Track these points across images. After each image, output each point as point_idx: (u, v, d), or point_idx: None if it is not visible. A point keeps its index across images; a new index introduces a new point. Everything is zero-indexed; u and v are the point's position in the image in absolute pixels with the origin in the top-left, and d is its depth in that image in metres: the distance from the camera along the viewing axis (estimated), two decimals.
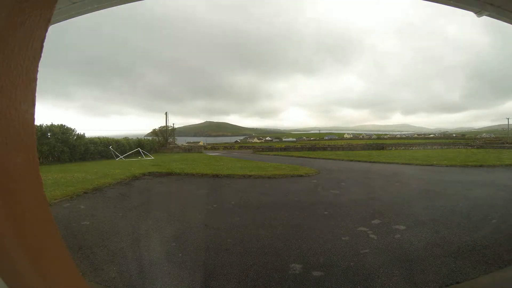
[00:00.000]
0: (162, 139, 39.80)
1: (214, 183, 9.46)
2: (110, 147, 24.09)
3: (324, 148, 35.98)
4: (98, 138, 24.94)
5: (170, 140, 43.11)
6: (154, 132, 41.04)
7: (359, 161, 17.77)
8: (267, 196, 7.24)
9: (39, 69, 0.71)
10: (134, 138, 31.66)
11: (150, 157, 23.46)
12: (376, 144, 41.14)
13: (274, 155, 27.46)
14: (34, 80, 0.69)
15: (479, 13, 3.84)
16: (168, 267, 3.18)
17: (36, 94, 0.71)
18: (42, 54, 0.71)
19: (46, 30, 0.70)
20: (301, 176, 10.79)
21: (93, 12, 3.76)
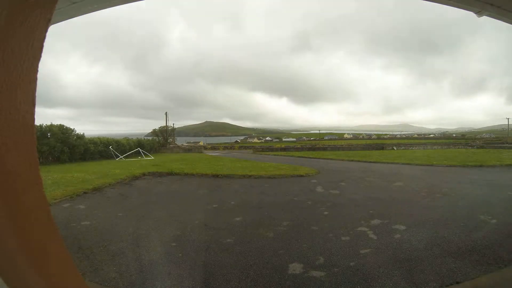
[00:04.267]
0: (162, 139, 39.77)
1: (214, 183, 9.46)
2: (110, 147, 24.08)
3: (324, 148, 35.95)
4: (98, 138, 24.92)
5: (170, 140, 43.10)
6: (154, 132, 41.02)
7: (359, 161, 17.75)
8: (267, 196, 7.24)
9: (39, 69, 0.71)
10: (134, 138, 31.66)
11: (150, 157, 23.45)
12: (376, 144, 41.14)
13: (274, 155, 27.44)
14: (34, 80, 0.69)
15: (479, 13, 3.83)
16: (168, 267, 3.18)
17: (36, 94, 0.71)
18: (42, 54, 0.71)
19: (46, 30, 0.70)
20: (301, 176, 10.79)
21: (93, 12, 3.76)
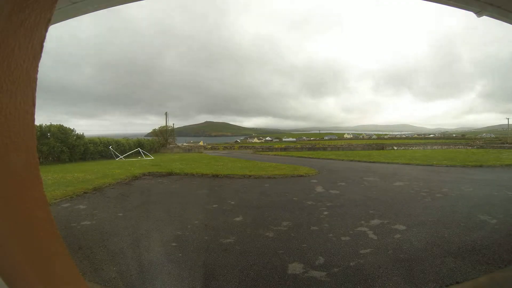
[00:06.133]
0: (162, 139, 39.78)
1: (214, 183, 9.45)
2: (110, 147, 24.08)
3: (324, 148, 35.98)
4: (98, 138, 24.92)
5: (170, 140, 43.10)
6: (154, 132, 41.02)
7: (359, 161, 17.76)
8: (267, 196, 7.24)
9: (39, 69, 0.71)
10: (134, 138, 31.66)
11: (150, 157, 23.47)
12: (376, 144, 41.16)
13: (274, 155, 27.45)
14: (34, 80, 0.69)
15: (479, 13, 3.84)
16: (168, 267, 3.18)
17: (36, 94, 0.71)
18: (42, 54, 0.71)
19: (46, 30, 0.70)
20: (301, 176, 10.79)
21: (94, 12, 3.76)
